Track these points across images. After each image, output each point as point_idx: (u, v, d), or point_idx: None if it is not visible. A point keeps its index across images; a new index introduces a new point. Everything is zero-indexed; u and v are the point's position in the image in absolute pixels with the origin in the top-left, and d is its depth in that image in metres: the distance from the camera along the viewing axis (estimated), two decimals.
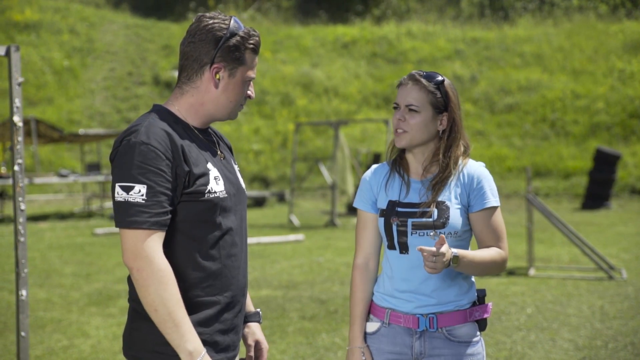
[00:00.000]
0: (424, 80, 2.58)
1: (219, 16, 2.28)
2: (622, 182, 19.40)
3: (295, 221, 15.15)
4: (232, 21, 2.26)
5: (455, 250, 2.41)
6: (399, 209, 2.57)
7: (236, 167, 2.45)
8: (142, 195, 2.11)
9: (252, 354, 2.53)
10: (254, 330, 2.55)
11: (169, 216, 2.16)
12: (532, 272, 8.86)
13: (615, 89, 24.22)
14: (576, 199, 19.10)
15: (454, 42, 29.53)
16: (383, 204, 2.62)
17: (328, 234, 13.31)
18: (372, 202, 2.66)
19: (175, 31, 31.48)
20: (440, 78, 2.59)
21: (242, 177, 2.47)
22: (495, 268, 2.56)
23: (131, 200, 2.12)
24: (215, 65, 2.25)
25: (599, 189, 17.30)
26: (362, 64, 29.06)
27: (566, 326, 6.37)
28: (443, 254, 2.33)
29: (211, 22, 2.26)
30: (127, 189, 2.12)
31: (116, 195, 2.14)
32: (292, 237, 12.58)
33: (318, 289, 8.04)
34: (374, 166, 2.74)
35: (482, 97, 25.50)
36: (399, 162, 2.67)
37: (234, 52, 2.25)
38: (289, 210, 16.00)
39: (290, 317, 6.80)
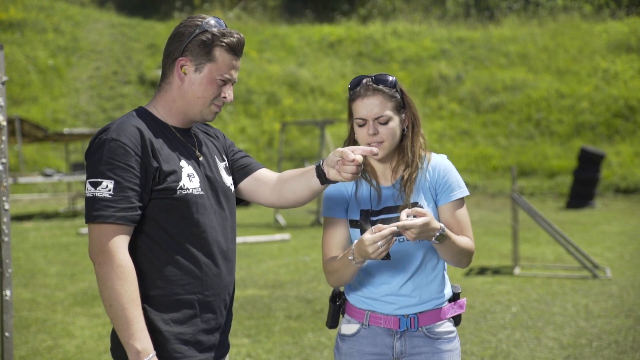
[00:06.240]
0: (382, 87, 2.49)
1: (204, 16, 2.28)
2: (606, 182, 19.53)
3: (282, 220, 15.15)
4: (210, 19, 2.27)
5: (442, 226, 2.38)
6: (373, 218, 2.53)
7: (222, 165, 2.43)
8: (109, 190, 2.12)
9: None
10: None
11: (138, 212, 2.16)
12: (517, 271, 8.90)
13: (599, 88, 24.37)
14: (561, 198, 19.20)
15: (439, 41, 29.62)
16: (355, 215, 2.58)
17: (314, 234, 13.31)
18: (344, 209, 2.62)
19: (160, 30, 31.38)
20: (392, 78, 2.51)
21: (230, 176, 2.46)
22: (467, 256, 2.53)
23: (98, 195, 2.12)
24: (181, 59, 2.25)
25: (583, 188, 17.39)
26: (348, 63, 29.08)
27: (551, 325, 6.41)
28: (427, 225, 2.30)
29: (190, 20, 2.28)
30: (95, 185, 2.13)
31: (86, 191, 2.15)
32: (278, 236, 12.57)
33: (304, 289, 8.04)
34: None
35: (467, 97, 25.58)
36: (364, 169, 2.60)
37: (202, 47, 2.24)
38: (275, 209, 15.99)
39: (276, 317, 6.80)
